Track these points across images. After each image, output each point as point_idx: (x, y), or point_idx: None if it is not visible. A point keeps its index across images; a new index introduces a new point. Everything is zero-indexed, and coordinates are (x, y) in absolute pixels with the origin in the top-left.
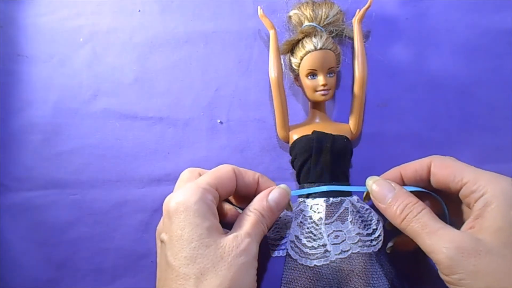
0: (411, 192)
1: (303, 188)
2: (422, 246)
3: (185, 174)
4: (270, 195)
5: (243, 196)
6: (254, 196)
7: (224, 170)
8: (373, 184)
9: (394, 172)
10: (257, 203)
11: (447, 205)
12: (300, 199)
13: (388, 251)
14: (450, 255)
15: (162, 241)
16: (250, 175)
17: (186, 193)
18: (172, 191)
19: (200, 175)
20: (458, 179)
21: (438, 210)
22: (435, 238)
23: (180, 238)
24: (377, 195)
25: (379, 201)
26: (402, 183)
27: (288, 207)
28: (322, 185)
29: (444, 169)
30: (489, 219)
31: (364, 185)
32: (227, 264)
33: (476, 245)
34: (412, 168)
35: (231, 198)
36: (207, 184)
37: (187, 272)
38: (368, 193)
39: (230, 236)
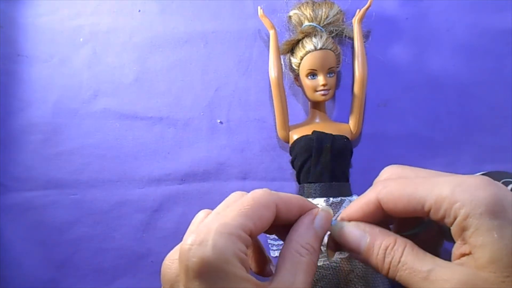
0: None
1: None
2: None
3: (200, 216)
4: (316, 221)
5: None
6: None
7: (263, 205)
8: (339, 233)
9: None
10: (307, 235)
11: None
12: None
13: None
14: None
15: None
16: (295, 204)
17: (216, 246)
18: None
19: None
20: (419, 209)
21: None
22: (427, 286)
23: None
24: (350, 245)
25: (355, 252)
26: None
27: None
28: None
29: (398, 203)
30: (478, 250)
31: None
32: None
33: (475, 282)
34: (360, 212)
35: None
36: (241, 229)
37: None
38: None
39: None
